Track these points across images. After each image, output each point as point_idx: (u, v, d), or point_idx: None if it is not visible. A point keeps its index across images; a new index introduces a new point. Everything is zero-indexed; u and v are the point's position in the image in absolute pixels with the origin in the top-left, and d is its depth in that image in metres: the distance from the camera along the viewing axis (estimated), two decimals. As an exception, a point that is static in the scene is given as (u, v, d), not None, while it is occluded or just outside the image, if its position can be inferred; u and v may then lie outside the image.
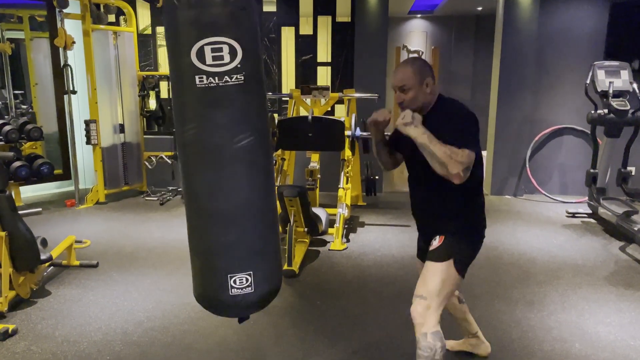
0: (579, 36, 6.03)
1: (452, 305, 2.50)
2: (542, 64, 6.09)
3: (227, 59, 1.64)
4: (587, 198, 5.38)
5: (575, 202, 5.89)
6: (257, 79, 1.73)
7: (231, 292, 1.77)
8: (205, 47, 1.63)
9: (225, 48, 1.64)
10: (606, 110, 4.80)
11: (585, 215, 5.31)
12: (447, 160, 1.87)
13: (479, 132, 2.01)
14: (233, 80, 1.66)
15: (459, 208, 2.09)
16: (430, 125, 1.97)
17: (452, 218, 2.10)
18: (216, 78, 1.65)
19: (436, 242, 2.09)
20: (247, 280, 1.78)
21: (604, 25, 5.95)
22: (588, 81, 4.96)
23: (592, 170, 5.15)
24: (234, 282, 1.76)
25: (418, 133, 1.93)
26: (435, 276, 2.04)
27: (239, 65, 1.66)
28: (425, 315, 2.00)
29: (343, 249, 4.30)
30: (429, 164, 1.96)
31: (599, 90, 4.86)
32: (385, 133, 2.29)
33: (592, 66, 4.96)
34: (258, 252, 1.82)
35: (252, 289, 1.79)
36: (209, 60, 1.63)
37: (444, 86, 9.90)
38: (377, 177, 5.48)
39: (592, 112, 4.92)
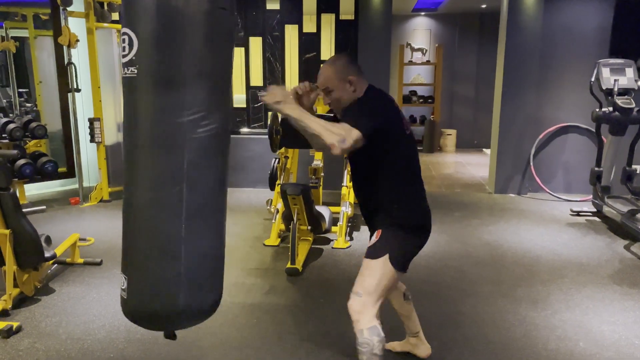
0: (583, 33, 6.00)
1: (397, 302, 2.50)
2: (546, 61, 6.06)
3: (126, 50, 1.58)
4: (591, 196, 5.36)
5: (579, 201, 5.86)
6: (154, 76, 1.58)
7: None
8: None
9: (126, 39, 1.58)
10: (611, 108, 4.78)
11: (590, 214, 5.29)
12: (322, 130, 1.82)
13: (384, 115, 2.01)
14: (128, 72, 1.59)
15: (391, 200, 2.08)
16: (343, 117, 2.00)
17: (385, 211, 2.09)
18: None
19: (373, 238, 2.10)
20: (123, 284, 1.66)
21: (609, 22, 5.92)
22: (593, 79, 4.93)
23: (596, 169, 5.12)
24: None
25: (290, 109, 1.88)
26: (371, 273, 2.04)
27: (133, 58, 1.57)
28: (361, 312, 2.00)
29: (346, 247, 4.30)
30: (358, 157, 2.02)
31: (603, 88, 4.83)
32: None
33: (597, 64, 4.93)
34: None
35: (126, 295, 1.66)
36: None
37: (448, 84, 9.89)
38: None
39: (597, 110, 4.90)
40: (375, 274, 2.03)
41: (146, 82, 1.57)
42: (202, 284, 1.66)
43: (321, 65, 2.26)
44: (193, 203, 1.60)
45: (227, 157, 1.72)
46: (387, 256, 2.03)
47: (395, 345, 2.68)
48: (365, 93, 2.09)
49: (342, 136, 1.83)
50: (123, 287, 1.68)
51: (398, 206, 2.08)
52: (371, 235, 2.17)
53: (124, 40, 1.58)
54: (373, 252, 2.07)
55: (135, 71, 1.56)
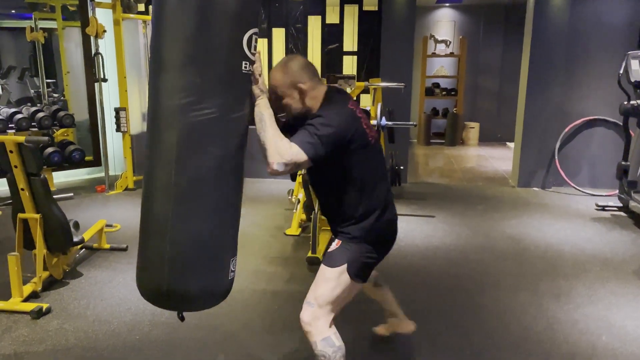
0: (612, 25, 5.86)
1: (368, 289, 2.47)
2: (573, 53, 5.95)
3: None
4: (617, 191, 5.26)
5: (605, 195, 5.77)
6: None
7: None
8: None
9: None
10: (639, 101, 4.69)
11: (616, 209, 5.20)
12: (270, 144, 1.72)
13: (338, 136, 1.80)
14: None
15: (347, 215, 1.96)
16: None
17: (342, 223, 1.98)
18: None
19: (333, 245, 1.99)
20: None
21: (638, 13, 5.77)
22: (621, 71, 4.84)
23: (623, 163, 5.03)
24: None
25: (263, 106, 1.76)
26: (326, 282, 1.94)
27: None
28: (311, 324, 1.92)
29: (367, 238, 4.31)
30: (314, 170, 1.91)
31: (632, 80, 4.73)
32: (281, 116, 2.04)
33: (626, 56, 4.83)
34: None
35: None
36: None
37: (472, 77, 9.78)
38: (401, 168, 5.46)
39: (625, 103, 4.80)
40: (329, 283, 1.93)
41: (153, 65, 1.66)
42: (187, 268, 1.65)
43: (342, 56, 2.20)
44: (181, 185, 1.61)
45: (232, 144, 1.67)
46: (344, 266, 1.93)
47: (381, 330, 2.69)
48: (323, 104, 1.89)
49: (285, 160, 1.71)
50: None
51: (355, 221, 1.96)
52: (331, 241, 2.06)
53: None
54: (330, 260, 1.96)
55: (150, 55, 1.70)
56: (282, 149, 1.72)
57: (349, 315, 2.99)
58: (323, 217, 4.10)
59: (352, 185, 1.93)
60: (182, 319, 1.82)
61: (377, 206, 1.99)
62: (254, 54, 1.70)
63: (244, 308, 3.03)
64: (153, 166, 1.66)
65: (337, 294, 1.94)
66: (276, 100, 1.90)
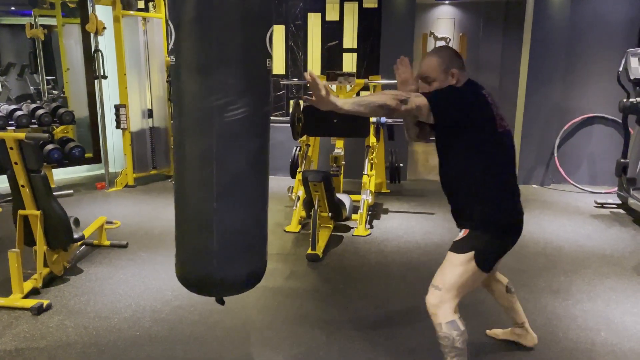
0: (612, 22, 5.86)
1: (498, 294, 2.48)
2: (573, 51, 5.95)
3: (169, 39, 1.74)
4: (616, 188, 5.27)
5: (604, 193, 5.78)
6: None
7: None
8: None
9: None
10: (639, 99, 4.68)
11: (615, 206, 5.21)
12: (383, 98, 1.85)
13: (469, 109, 1.98)
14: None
15: (477, 199, 2.03)
16: None
17: (471, 209, 2.04)
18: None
19: (461, 234, 2.06)
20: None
21: (638, 11, 5.77)
22: (621, 69, 4.84)
23: (622, 160, 5.03)
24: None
25: (338, 102, 1.85)
26: (453, 268, 2.02)
27: None
28: (438, 306, 2.01)
29: (366, 235, 4.32)
30: (444, 152, 2.01)
31: (632, 78, 4.74)
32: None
33: (625, 53, 4.84)
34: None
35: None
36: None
37: (472, 73, 9.71)
38: (401, 165, 5.46)
39: (624, 100, 4.81)
40: (457, 270, 2.01)
41: (182, 69, 1.70)
42: (235, 257, 1.78)
43: (344, 53, 2.28)
44: (223, 182, 1.71)
45: (263, 138, 1.79)
46: (472, 253, 2.00)
47: (499, 333, 2.67)
48: (469, 84, 2.08)
49: (402, 97, 1.85)
50: (175, 254, 1.90)
51: (483, 206, 2.02)
52: (459, 232, 2.12)
53: (169, 31, 1.72)
54: (459, 247, 2.03)
55: (174, 59, 1.71)
56: (395, 93, 1.86)
57: (348, 312, 3.00)
58: (323, 215, 4.13)
59: (483, 171, 2.01)
60: (222, 302, 1.93)
61: (505, 196, 2.07)
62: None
63: (243, 305, 3.04)
64: (191, 166, 1.75)
65: (463, 280, 2.01)
66: (425, 87, 2.01)
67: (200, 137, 1.70)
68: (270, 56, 1.76)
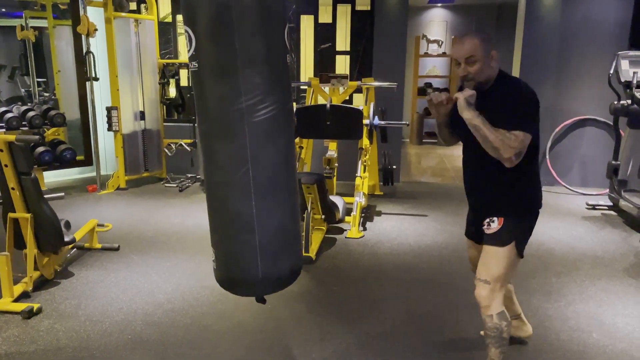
0: (602, 25, 5.91)
1: None
2: (564, 53, 5.99)
3: (188, 46, 1.72)
4: (608, 190, 5.31)
5: (595, 194, 5.81)
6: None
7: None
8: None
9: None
10: (629, 101, 4.72)
11: (606, 208, 5.24)
12: (500, 145, 1.90)
13: (539, 110, 2.01)
14: None
15: (513, 184, 2.07)
16: (490, 103, 1.98)
17: (507, 194, 2.09)
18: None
19: (495, 225, 2.09)
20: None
21: (628, 14, 5.82)
22: (611, 71, 4.88)
23: (613, 162, 5.07)
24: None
25: (472, 115, 1.94)
26: (498, 260, 2.08)
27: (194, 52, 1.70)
28: (489, 298, 2.07)
29: (360, 237, 4.32)
30: (475, 143, 1.99)
31: (622, 80, 4.78)
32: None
33: (616, 56, 4.87)
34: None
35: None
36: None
37: (463, 76, 9.81)
38: (394, 167, 5.47)
39: (615, 102, 4.84)
40: (502, 262, 2.07)
41: (206, 74, 1.70)
42: (277, 254, 1.81)
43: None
44: (259, 182, 1.73)
45: (291, 134, 1.83)
46: (513, 243, 2.06)
47: None
48: (499, 74, 2.06)
49: (517, 149, 1.90)
50: (213, 259, 1.89)
51: (521, 191, 2.09)
52: (480, 218, 2.17)
53: (186, 37, 1.70)
54: (499, 239, 2.07)
55: (197, 65, 1.70)
56: (510, 142, 1.89)
57: (341, 314, 3.00)
58: (316, 217, 4.12)
59: (528, 162, 2.02)
60: (264, 301, 1.94)
61: (538, 184, 2.16)
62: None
63: (236, 307, 3.03)
64: (224, 170, 1.75)
65: (508, 270, 2.09)
66: (467, 66, 2.00)
67: (232, 139, 1.70)
68: (289, 52, 1.77)
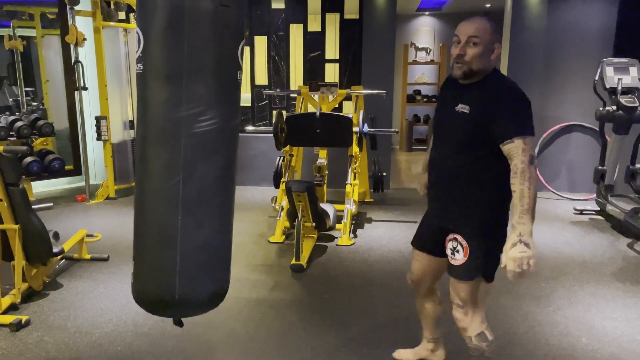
0: (588, 32, 6.00)
1: (434, 304, 2.36)
2: (550, 60, 6.07)
3: (136, 47, 1.68)
4: (595, 195, 5.37)
5: (583, 199, 5.87)
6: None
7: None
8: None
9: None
10: (615, 107, 4.78)
11: (593, 213, 5.30)
12: (531, 182, 1.76)
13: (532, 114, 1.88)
14: None
15: (488, 195, 1.92)
16: (480, 98, 1.85)
17: (478, 205, 1.93)
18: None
19: (460, 256, 1.95)
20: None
21: (613, 21, 5.92)
22: (597, 78, 4.95)
23: (600, 168, 5.13)
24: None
25: (529, 230, 1.77)
26: (466, 292, 1.99)
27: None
28: (466, 321, 2.03)
29: (350, 245, 4.33)
30: (462, 142, 1.88)
31: (607, 87, 4.84)
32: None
33: (600, 63, 4.95)
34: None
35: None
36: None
37: (452, 83, 9.90)
38: (384, 174, 5.50)
39: (601, 108, 4.90)
40: (470, 293, 1.99)
41: (150, 77, 1.64)
42: (199, 274, 1.69)
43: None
44: (190, 196, 1.64)
45: (232, 152, 1.73)
46: (480, 277, 1.97)
47: (410, 356, 2.52)
48: (493, 72, 1.92)
49: (530, 156, 1.76)
50: (132, 272, 1.78)
51: (494, 205, 1.93)
52: (444, 234, 2.01)
53: (136, 39, 1.66)
54: (465, 273, 1.96)
55: (142, 67, 1.65)
56: (527, 166, 1.75)
57: (333, 322, 2.99)
58: (307, 224, 4.13)
59: (503, 178, 1.85)
60: (181, 324, 1.81)
61: (509, 200, 1.92)
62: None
63: (227, 316, 3.02)
64: (155, 178, 1.67)
65: (480, 296, 2.04)
66: (465, 46, 1.86)
67: (167, 148, 1.62)
68: (240, 69, 1.73)
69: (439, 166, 2.03)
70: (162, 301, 1.69)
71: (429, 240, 2.17)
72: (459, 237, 1.96)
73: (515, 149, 1.78)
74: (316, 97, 5.11)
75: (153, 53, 1.62)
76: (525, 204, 1.75)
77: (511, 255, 1.75)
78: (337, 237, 4.47)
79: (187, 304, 1.70)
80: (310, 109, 5.26)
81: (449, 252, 2.02)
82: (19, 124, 5.13)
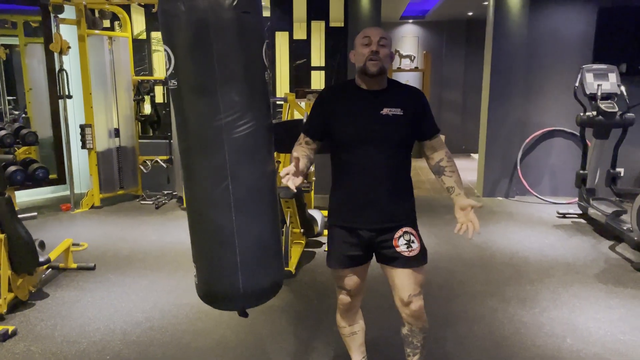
0: (568, 40, 6.14)
1: (362, 322, 2.43)
2: (532, 67, 6.19)
3: (167, 64, 1.78)
4: (577, 199, 5.47)
5: (565, 203, 5.98)
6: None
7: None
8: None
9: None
10: (595, 113, 4.89)
11: (576, 216, 5.39)
12: (452, 158, 2.14)
13: None
14: None
15: (410, 189, 2.14)
16: (403, 100, 2.01)
17: (408, 200, 2.12)
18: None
19: (416, 245, 2.06)
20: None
21: (592, 29, 6.07)
22: (577, 84, 5.06)
23: (581, 172, 5.24)
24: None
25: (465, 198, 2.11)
26: (423, 276, 2.14)
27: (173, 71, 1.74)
28: (421, 308, 2.14)
29: (338, 250, 4.34)
30: (397, 143, 2.01)
31: (587, 92, 4.95)
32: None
33: (580, 69, 5.06)
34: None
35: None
36: None
37: (436, 90, 10.02)
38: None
39: (581, 114, 5.01)
40: (423, 272, 2.13)
41: (185, 91, 1.73)
42: (258, 268, 1.84)
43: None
44: (240, 196, 1.76)
45: (270, 149, 1.86)
46: (426, 262, 2.14)
47: None
48: (393, 80, 2.13)
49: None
50: (194, 274, 1.92)
51: (412, 199, 2.16)
52: (380, 236, 2.04)
53: (165, 56, 1.74)
54: (422, 258, 2.11)
55: (176, 83, 1.74)
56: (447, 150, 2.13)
57: (322, 328, 3.00)
58: (295, 231, 4.14)
59: (408, 159, 2.14)
60: (245, 315, 1.93)
61: None
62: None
63: (216, 324, 3.01)
64: (204, 185, 1.77)
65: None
66: (378, 47, 1.98)
67: (211, 155, 1.73)
68: (267, 69, 1.82)
69: (371, 170, 2.01)
70: (228, 296, 1.84)
71: (356, 253, 2.13)
72: (409, 229, 2.09)
73: (439, 141, 2.11)
74: (303, 104, 5.14)
75: (185, 68, 1.71)
76: (460, 180, 2.12)
77: (472, 216, 2.11)
78: (324, 243, 4.48)
79: (251, 295, 1.85)
80: (297, 116, 5.28)
81: (403, 247, 2.05)
82: (1, 132, 5.07)
